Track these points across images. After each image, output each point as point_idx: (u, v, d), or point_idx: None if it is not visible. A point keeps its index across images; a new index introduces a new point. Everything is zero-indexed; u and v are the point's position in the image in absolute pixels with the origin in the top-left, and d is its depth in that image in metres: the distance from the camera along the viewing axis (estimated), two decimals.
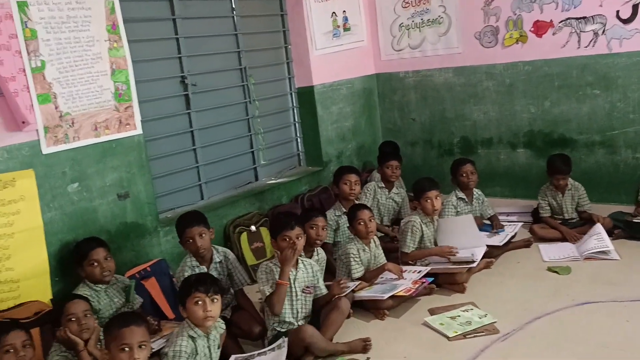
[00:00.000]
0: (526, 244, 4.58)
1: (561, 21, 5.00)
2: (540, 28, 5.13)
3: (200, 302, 2.79)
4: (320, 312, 3.46)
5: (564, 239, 4.52)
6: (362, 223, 3.83)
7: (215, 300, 2.83)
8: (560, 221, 4.69)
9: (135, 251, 3.95)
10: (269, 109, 5.37)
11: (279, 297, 3.23)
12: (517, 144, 5.54)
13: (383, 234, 4.69)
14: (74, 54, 3.58)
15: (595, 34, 4.86)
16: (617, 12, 4.74)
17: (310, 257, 3.69)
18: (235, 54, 5.03)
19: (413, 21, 5.88)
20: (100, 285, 3.40)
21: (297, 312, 3.34)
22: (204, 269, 3.49)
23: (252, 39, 5.16)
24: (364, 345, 3.27)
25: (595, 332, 3.23)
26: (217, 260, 3.60)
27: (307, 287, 3.40)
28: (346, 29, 5.84)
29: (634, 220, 4.48)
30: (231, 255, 3.68)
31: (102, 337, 2.77)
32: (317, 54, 5.51)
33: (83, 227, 3.62)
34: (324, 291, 3.50)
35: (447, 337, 3.36)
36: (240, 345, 3.34)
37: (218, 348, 2.95)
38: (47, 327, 3.12)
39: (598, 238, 4.26)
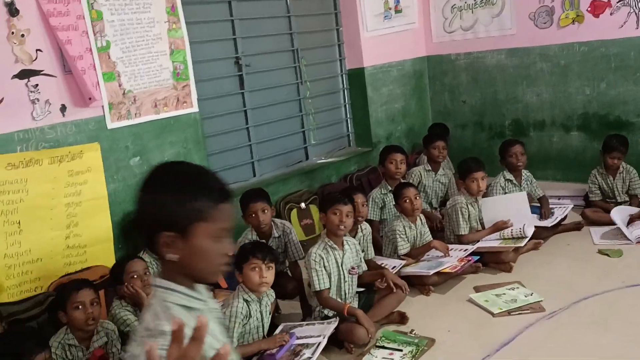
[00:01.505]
0: (577, 227, 4.54)
1: (619, 1, 4.88)
2: (597, 8, 5.02)
3: (256, 268, 2.93)
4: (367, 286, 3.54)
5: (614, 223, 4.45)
6: (407, 200, 3.90)
7: (270, 267, 2.97)
8: (612, 204, 4.61)
9: None
10: (320, 90, 5.47)
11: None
12: (570, 127, 5.45)
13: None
14: (136, 35, 3.78)
15: None
16: None
17: (354, 235, 3.79)
18: (288, 36, 5.15)
19: (466, 2, 5.84)
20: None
21: (345, 294, 3.38)
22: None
23: (304, 21, 5.26)
24: (401, 319, 3.36)
25: (636, 313, 3.21)
26: (276, 235, 3.75)
27: (353, 267, 3.43)
28: (398, 11, 5.86)
29: None
30: (289, 229, 3.82)
31: None
32: (368, 35, 5.56)
33: None
34: (364, 268, 3.55)
35: (492, 314, 3.40)
36: None
37: (269, 314, 3.10)
38: (111, 290, 3.34)
39: None
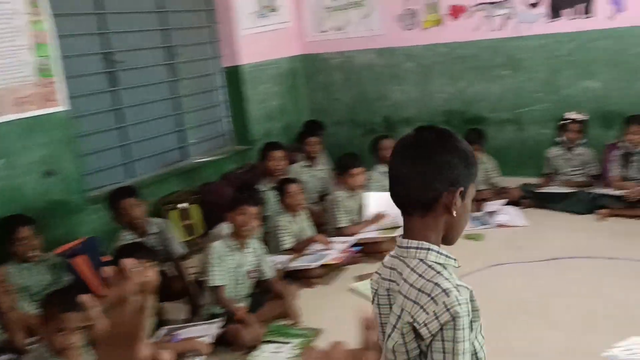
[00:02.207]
0: None
1: (475, 5, 5.33)
2: (456, 11, 5.44)
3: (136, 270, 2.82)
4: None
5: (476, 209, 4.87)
6: (291, 195, 3.98)
7: (150, 265, 2.87)
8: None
9: (64, 229, 3.90)
10: (197, 88, 5.39)
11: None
12: (435, 123, 5.84)
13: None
14: None
15: (506, 17, 5.22)
16: None
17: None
18: (163, 32, 5.01)
19: (337, 3, 6.04)
20: (28, 263, 3.35)
21: (239, 295, 3.37)
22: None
23: (179, 17, 5.15)
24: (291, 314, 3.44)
25: (508, 290, 3.56)
26: (153, 232, 3.65)
27: (252, 270, 3.42)
28: (272, 10, 5.92)
29: (540, 191, 4.89)
30: (165, 225, 3.74)
31: None
32: (243, 33, 5.57)
33: (8, 204, 3.54)
34: (269, 274, 3.50)
35: (372, 301, 3.57)
36: None
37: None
38: None
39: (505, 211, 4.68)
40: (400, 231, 4.19)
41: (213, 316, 3.28)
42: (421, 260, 1.31)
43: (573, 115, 4.94)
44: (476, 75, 5.51)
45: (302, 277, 3.91)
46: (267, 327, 3.28)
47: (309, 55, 6.32)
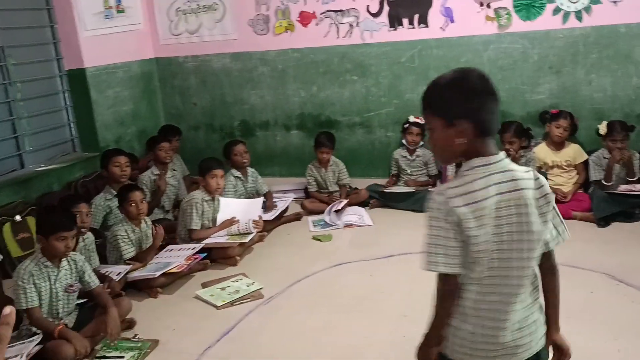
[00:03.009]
0: (297, 217, 5.00)
1: (322, 13, 5.48)
2: (305, 18, 5.56)
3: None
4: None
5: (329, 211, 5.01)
6: (133, 204, 3.85)
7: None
8: (326, 194, 5.18)
9: None
10: (36, 91, 5.04)
11: None
12: (290, 126, 5.95)
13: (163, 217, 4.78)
14: None
15: (351, 25, 5.42)
16: (368, 6, 5.33)
17: (76, 246, 3.59)
18: None
19: (189, 6, 5.95)
20: None
21: (58, 312, 3.18)
22: None
23: (9, 16, 4.79)
24: (129, 326, 3.32)
25: (347, 287, 3.69)
26: None
27: (71, 285, 3.23)
28: (120, 11, 5.70)
29: (386, 191, 5.14)
30: None
31: None
32: (87, 35, 5.30)
33: None
34: (94, 284, 3.31)
35: (216, 307, 3.56)
36: None
37: None
38: None
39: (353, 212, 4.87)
40: (249, 238, 4.22)
41: (34, 335, 3.08)
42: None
43: (414, 118, 5.25)
44: (327, 80, 5.67)
45: (145, 287, 3.79)
46: (97, 341, 3.14)
47: (163, 59, 6.17)
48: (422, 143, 5.26)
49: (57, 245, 3.09)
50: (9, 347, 2.87)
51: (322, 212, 4.98)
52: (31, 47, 5.03)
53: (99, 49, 5.40)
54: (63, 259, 3.20)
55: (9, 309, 0.78)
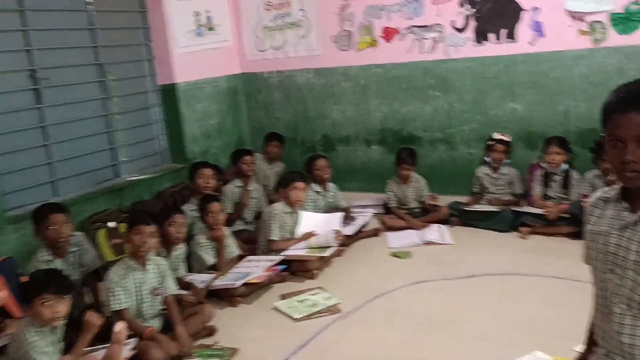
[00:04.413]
0: (375, 233, 4.97)
1: (406, 28, 5.47)
2: (388, 34, 5.57)
3: (48, 304, 2.76)
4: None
5: (409, 227, 4.96)
6: (211, 214, 3.98)
7: (64, 299, 2.82)
8: (405, 211, 5.13)
9: None
10: (131, 106, 5.35)
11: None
12: (371, 141, 5.96)
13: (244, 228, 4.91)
14: None
15: (435, 40, 5.37)
16: (453, 22, 5.27)
17: (168, 253, 3.77)
18: (92, 49, 4.97)
19: (275, 23, 6.12)
20: None
21: (143, 314, 3.33)
22: (57, 263, 3.47)
23: (110, 35, 5.12)
24: (209, 333, 3.42)
25: (424, 306, 3.63)
26: (72, 250, 3.60)
27: (157, 288, 3.38)
28: (210, 29, 5.95)
29: (468, 209, 5.02)
30: (82, 238, 3.75)
31: None
32: (179, 52, 5.57)
33: None
34: (172, 290, 3.47)
35: (294, 319, 3.60)
36: None
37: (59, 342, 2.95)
38: None
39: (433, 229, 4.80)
40: (328, 251, 4.28)
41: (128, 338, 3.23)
42: None
43: (498, 135, 5.10)
44: (409, 95, 5.64)
45: (226, 296, 3.89)
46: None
47: (249, 74, 6.37)
48: (507, 161, 5.11)
49: (135, 240, 3.27)
50: (101, 348, 3.04)
51: (401, 229, 4.93)
52: (127, 64, 5.34)
53: (189, 65, 5.66)
54: (149, 263, 3.36)
55: (119, 327, 0.82)
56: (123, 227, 4.66)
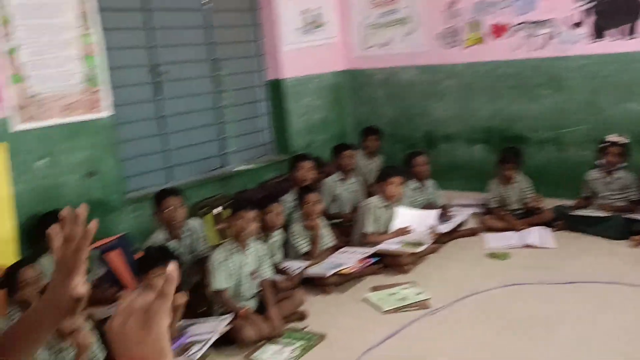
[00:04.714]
0: (473, 232, 4.87)
1: (516, 25, 5.29)
2: (497, 31, 5.42)
3: (159, 277, 3.02)
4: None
5: (509, 229, 4.81)
6: (308, 205, 4.12)
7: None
8: (507, 212, 4.98)
9: (102, 226, 4.19)
10: (240, 99, 5.64)
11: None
12: (475, 140, 5.83)
13: (341, 220, 5.01)
14: (47, 39, 3.85)
15: (547, 37, 5.15)
16: (567, 17, 5.02)
17: (265, 240, 3.97)
18: (208, 46, 5.30)
19: (382, 20, 6.16)
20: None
21: (242, 296, 3.54)
22: (172, 244, 3.76)
23: (225, 32, 5.43)
24: (300, 318, 3.55)
25: (518, 309, 3.52)
26: (186, 234, 3.87)
27: (255, 271, 3.58)
28: (318, 26, 6.12)
29: (574, 213, 4.77)
30: (199, 226, 3.96)
31: None
32: (287, 48, 5.78)
33: (50, 201, 3.88)
34: (265, 275, 3.64)
35: (382, 311, 3.64)
36: None
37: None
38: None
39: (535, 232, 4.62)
40: (421, 248, 4.27)
41: (225, 314, 3.46)
42: None
43: (614, 138, 4.80)
44: (517, 94, 5.46)
45: (319, 284, 4.02)
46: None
47: (353, 71, 6.46)
48: (624, 164, 4.79)
49: (236, 225, 3.47)
50: (203, 322, 3.28)
51: (501, 230, 4.80)
52: (239, 59, 5.64)
53: (296, 61, 5.86)
54: (249, 247, 3.56)
55: (172, 266, 0.92)
56: (227, 213, 4.96)
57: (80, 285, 1.05)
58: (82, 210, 1.06)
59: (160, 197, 3.85)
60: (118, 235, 4.23)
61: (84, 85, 4.06)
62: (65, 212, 1.07)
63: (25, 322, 1.08)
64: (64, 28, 3.93)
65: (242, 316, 3.34)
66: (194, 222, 4.02)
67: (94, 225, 1.07)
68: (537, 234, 4.62)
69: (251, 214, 3.58)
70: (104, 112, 4.20)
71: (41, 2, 3.81)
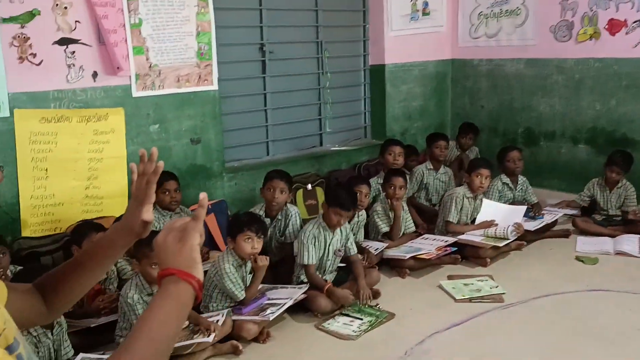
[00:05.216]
0: (565, 234, 4.74)
1: (635, 21, 5.00)
2: (614, 26, 5.15)
3: (249, 240, 3.31)
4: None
5: (605, 234, 4.62)
6: (392, 187, 4.23)
7: (261, 238, 3.36)
8: (604, 216, 4.79)
9: (201, 190, 4.57)
10: (341, 82, 5.80)
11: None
12: (579, 140, 5.60)
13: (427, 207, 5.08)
14: (167, 15, 4.21)
15: None
16: None
17: (350, 220, 4.13)
18: (314, 28, 5.50)
19: (492, 10, 6.04)
20: (167, 211, 4.04)
21: (325, 270, 3.77)
22: (267, 220, 3.99)
23: (331, 15, 5.60)
24: (374, 295, 3.69)
25: (596, 315, 3.44)
26: (281, 216, 4.10)
27: (339, 249, 3.79)
28: (425, 14, 6.11)
29: None
30: (294, 212, 4.13)
31: None
32: (392, 34, 5.84)
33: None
34: (353, 252, 3.84)
35: (455, 299, 3.69)
36: None
37: (250, 273, 3.49)
38: None
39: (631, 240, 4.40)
40: (504, 243, 4.24)
41: (301, 283, 3.68)
42: None
43: None
44: (630, 94, 5.17)
45: (396, 266, 4.13)
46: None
47: (458, 60, 6.39)
48: None
49: (332, 217, 3.66)
50: (281, 288, 3.53)
51: (595, 234, 4.64)
52: (343, 43, 5.79)
53: (400, 48, 5.90)
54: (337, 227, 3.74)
55: (202, 195, 1.12)
56: (319, 190, 5.17)
57: (149, 212, 1.27)
58: (154, 151, 1.27)
59: (270, 176, 4.09)
60: (216, 200, 4.58)
61: (197, 59, 4.40)
62: (141, 152, 1.29)
63: (103, 240, 1.32)
64: (183, 5, 4.27)
65: (327, 292, 3.52)
66: (292, 209, 4.16)
67: (161, 165, 1.27)
68: (632, 242, 4.41)
69: (349, 213, 3.74)
70: (211, 85, 4.53)
71: None
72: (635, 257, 4.25)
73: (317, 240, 3.67)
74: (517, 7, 5.82)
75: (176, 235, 1.10)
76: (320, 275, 3.70)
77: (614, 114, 5.31)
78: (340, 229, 3.79)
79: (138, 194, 1.28)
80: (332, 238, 3.73)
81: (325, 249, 3.72)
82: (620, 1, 5.07)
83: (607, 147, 5.25)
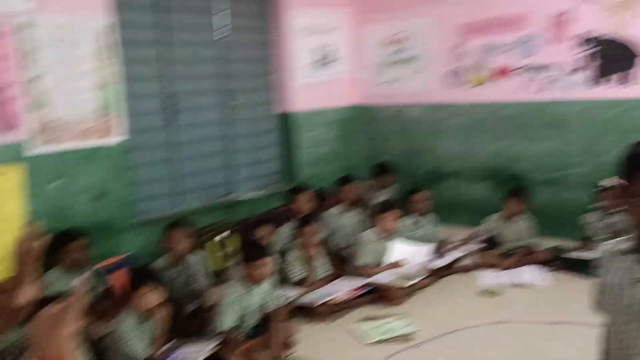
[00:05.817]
0: (467, 269, 4.96)
1: (519, 68, 5.45)
2: (500, 73, 5.58)
3: (144, 295, 3.24)
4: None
5: (504, 266, 4.89)
6: (305, 235, 4.29)
7: (156, 291, 3.29)
8: (503, 250, 5.07)
9: (110, 246, 4.42)
10: (253, 130, 5.86)
11: None
12: (477, 178, 5.95)
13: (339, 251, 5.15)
14: (68, 68, 4.13)
15: (549, 81, 5.29)
16: (568, 62, 5.16)
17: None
18: (223, 77, 5.56)
19: (392, 58, 6.38)
20: (72, 272, 3.86)
21: (244, 327, 3.64)
22: (172, 270, 3.97)
23: (239, 66, 5.69)
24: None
25: (503, 347, 3.61)
26: (187, 265, 4.08)
27: (262, 306, 3.69)
28: (330, 61, 6.35)
29: (569, 256, 4.83)
30: (201, 260, 4.16)
31: None
32: (300, 82, 6.02)
33: (62, 220, 4.10)
34: (271, 307, 3.71)
35: (365, 342, 3.75)
36: None
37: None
38: None
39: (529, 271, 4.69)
40: (413, 282, 4.32)
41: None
42: None
43: (608, 182, 4.87)
44: (519, 135, 5.59)
45: (309, 313, 4.14)
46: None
47: (364, 106, 6.66)
48: (622, 208, 4.83)
49: (255, 273, 3.58)
50: (194, 343, 3.45)
51: (495, 267, 4.88)
52: (251, 91, 5.88)
53: (308, 95, 6.08)
54: (261, 284, 3.67)
55: (80, 279, 1.11)
56: (230, 239, 5.13)
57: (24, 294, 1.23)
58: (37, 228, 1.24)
59: (169, 226, 4.07)
60: (124, 256, 4.44)
61: (100, 112, 4.32)
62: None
63: None
64: (86, 58, 4.21)
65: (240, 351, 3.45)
66: (196, 257, 4.18)
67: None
68: (530, 273, 4.69)
69: (268, 260, 3.70)
70: (116, 138, 4.45)
71: (63, 36, 4.10)
72: (535, 286, 4.51)
73: (236, 303, 3.58)
74: (415, 56, 6.18)
75: (50, 321, 1.08)
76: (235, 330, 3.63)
77: (506, 153, 5.71)
78: (266, 287, 3.71)
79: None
80: (255, 298, 3.63)
81: (246, 310, 3.61)
82: (505, 50, 5.52)
83: (502, 184, 5.62)
